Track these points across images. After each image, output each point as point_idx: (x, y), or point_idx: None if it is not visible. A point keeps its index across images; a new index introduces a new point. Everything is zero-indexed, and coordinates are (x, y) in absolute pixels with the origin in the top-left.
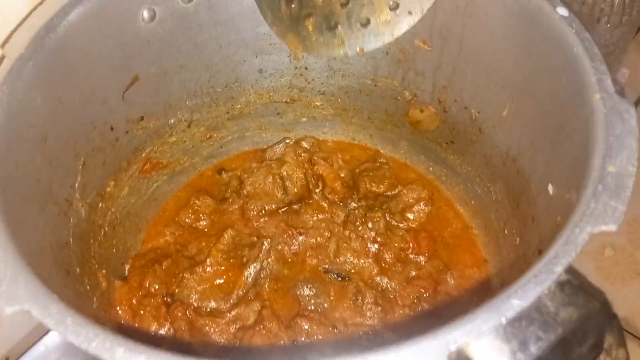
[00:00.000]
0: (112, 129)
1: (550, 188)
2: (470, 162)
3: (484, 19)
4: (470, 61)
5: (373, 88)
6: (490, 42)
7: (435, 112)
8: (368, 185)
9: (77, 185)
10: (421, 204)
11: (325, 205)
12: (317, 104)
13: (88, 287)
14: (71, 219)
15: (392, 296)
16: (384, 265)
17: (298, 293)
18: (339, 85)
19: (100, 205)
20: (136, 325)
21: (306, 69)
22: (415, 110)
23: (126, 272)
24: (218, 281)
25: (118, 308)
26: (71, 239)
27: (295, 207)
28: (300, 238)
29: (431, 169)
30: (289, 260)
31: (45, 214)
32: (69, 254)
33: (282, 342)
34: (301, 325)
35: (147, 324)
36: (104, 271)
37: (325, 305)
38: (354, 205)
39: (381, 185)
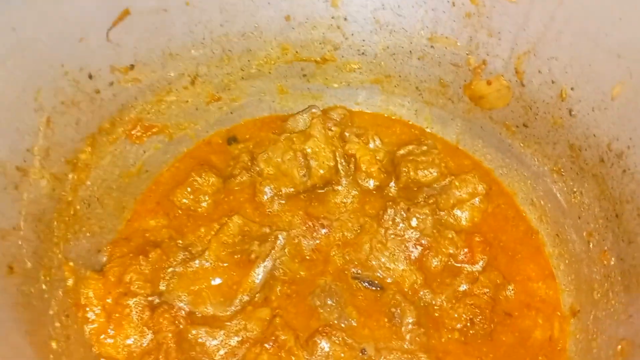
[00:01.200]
0: (90, 77)
1: None
2: (548, 153)
3: None
4: (572, 19)
5: (428, 50)
6: None
7: (507, 86)
8: (412, 173)
9: (36, 149)
10: (476, 199)
11: (356, 192)
12: (354, 66)
13: (44, 287)
14: (25, 195)
15: (437, 315)
16: (428, 274)
17: (317, 303)
18: (385, 44)
19: (70, 176)
20: (110, 333)
21: (345, 19)
22: (481, 82)
23: (103, 261)
24: (217, 281)
25: (88, 310)
26: (23, 222)
27: (319, 192)
28: (323, 231)
29: (489, 156)
30: (308, 257)
31: None
32: (17, 242)
33: None
34: (320, 345)
35: (124, 333)
36: (71, 264)
37: (352, 321)
38: (393, 195)
39: (428, 174)
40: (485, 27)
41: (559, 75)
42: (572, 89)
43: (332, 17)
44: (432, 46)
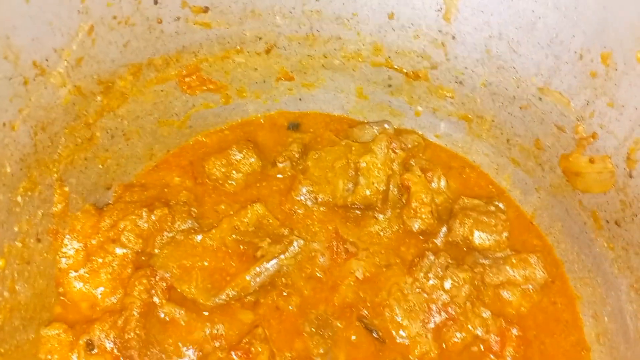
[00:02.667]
0: (156, 2)
1: None
2: (633, 265)
3: None
4: None
5: (535, 101)
6: None
7: (612, 171)
8: (466, 231)
9: (66, 52)
10: (530, 286)
11: (397, 229)
12: (446, 94)
13: (19, 199)
14: (33, 95)
15: None
16: (444, 347)
17: (306, 329)
18: (488, 79)
19: (98, 99)
20: (83, 276)
21: (453, 38)
22: (583, 157)
23: (107, 200)
24: (212, 265)
25: (67, 242)
26: (20, 123)
27: (357, 213)
28: (345, 256)
29: (564, 245)
30: (317, 278)
31: None
32: (2, 140)
33: None
34: None
35: (97, 281)
36: (66, 189)
37: None
38: (436, 247)
39: (486, 239)
40: (609, 95)
41: None
42: None
43: (440, 31)
44: (540, 98)
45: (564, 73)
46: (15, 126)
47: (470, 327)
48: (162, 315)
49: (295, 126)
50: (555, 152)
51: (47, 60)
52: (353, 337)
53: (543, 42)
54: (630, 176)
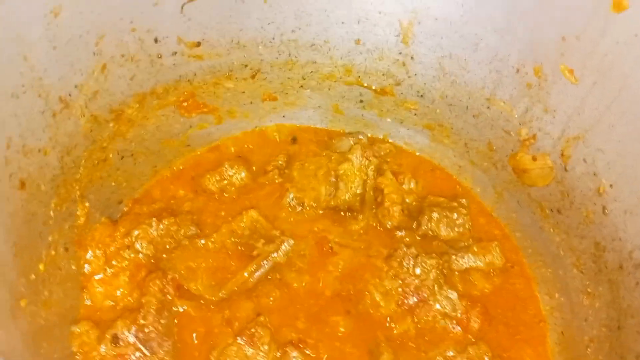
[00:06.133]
0: (156, 41)
1: None
2: (573, 246)
3: None
4: (627, 114)
5: (484, 110)
6: None
7: (551, 166)
8: (433, 224)
9: (85, 88)
10: (492, 271)
11: (375, 226)
12: (410, 106)
13: (52, 213)
14: (61, 125)
15: None
16: (418, 327)
17: (300, 317)
18: (444, 92)
19: (111, 125)
20: (104, 279)
21: (412, 58)
22: (527, 156)
23: (120, 213)
24: (215, 265)
25: (89, 250)
26: (50, 149)
27: (341, 215)
28: (330, 252)
29: (519, 234)
30: (307, 272)
31: (18, 101)
32: (38, 164)
33: None
34: (291, 355)
35: (116, 283)
36: (87, 204)
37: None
38: (408, 239)
39: (450, 231)
40: (543, 102)
41: (602, 169)
42: (610, 186)
43: (400, 53)
44: (488, 107)
45: (506, 85)
46: (47, 152)
47: (439, 307)
48: (175, 309)
49: (294, 140)
50: (505, 152)
51: (70, 95)
52: (340, 320)
53: (486, 59)
54: (566, 170)
